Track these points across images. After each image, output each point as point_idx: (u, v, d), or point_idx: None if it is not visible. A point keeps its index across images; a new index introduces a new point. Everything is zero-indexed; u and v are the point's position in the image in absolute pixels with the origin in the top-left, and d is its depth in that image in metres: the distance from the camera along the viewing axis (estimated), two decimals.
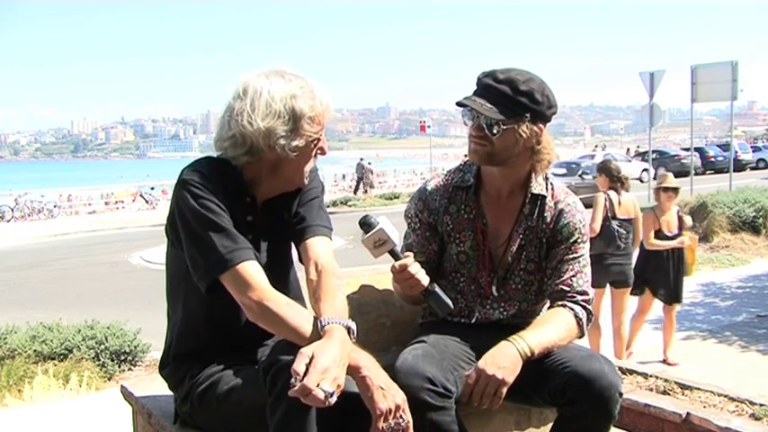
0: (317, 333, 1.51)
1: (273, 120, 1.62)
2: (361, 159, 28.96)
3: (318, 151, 1.76)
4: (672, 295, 5.26)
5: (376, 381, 1.49)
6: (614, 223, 4.98)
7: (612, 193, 5.03)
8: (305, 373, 1.37)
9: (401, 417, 1.50)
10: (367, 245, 1.76)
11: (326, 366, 1.39)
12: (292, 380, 1.37)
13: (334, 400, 1.38)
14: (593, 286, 5.67)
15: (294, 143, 1.66)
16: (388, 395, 1.49)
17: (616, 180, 5.08)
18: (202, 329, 1.75)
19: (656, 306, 5.44)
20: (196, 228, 1.61)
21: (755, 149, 32.91)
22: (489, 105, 1.81)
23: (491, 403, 1.70)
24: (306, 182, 1.78)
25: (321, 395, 1.36)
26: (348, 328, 1.53)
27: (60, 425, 3.95)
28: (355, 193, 26.64)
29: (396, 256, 1.77)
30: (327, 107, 1.71)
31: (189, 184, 1.63)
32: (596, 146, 38.85)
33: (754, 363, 5.21)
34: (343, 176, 32.50)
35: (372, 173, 28.49)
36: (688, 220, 5.38)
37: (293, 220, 1.79)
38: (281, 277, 1.80)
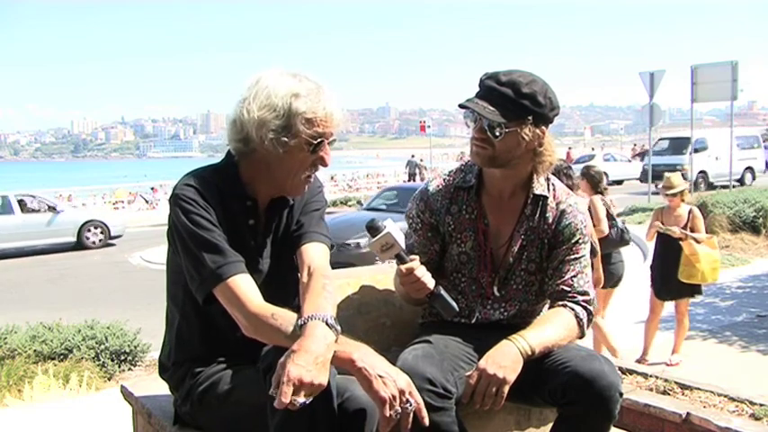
0: (297, 335, 1.48)
1: (268, 112, 1.62)
2: (413, 156, 29.49)
3: (318, 161, 1.71)
4: (658, 290, 5.29)
5: (373, 370, 1.46)
6: (618, 221, 5.00)
7: (600, 197, 5.07)
8: (278, 389, 1.36)
9: (407, 401, 1.46)
10: (374, 248, 1.75)
11: (296, 377, 1.36)
12: (271, 390, 1.37)
13: (308, 401, 1.37)
14: (596, 286, 5.57)
15: (284, 139, 1.63)
16: (389, 382, 1.45)
17: (597, 185, 5.11)
18: (201, 336, 1.76)
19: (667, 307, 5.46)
20: (188, 243, 1.63)
21: None
22: (491, 108, 1.80)
23: (493, 403, 1.70)
24: (302, 191, 1.76)
25: (296, 405, 1.36)
26: (326, 322, 1.48)
27: (60, 425, 3.95)
28: None
29: (402, 260, 1.77)
30: (331, 115, 1.67)
31: (180, 199, 1.65)
32: (634, 144, 38.71)
33: (754, 363, 5.21)
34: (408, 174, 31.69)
35: (426, 168, 28.83)
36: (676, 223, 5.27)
37: (293, 228, 1.79)
38: (287, 284, 1.79)
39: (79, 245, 14.68)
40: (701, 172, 19.79)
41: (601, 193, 5.07)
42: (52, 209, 14.83)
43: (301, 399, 1.36)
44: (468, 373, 1.74)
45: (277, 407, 1.36)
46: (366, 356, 1.49)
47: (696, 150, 18.89)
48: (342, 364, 1.48)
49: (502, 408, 1.74)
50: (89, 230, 14.91)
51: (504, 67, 1.87)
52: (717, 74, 13.74)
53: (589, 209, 4.80)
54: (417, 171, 27.70)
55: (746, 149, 21.50)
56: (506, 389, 1.70)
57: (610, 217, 5.00)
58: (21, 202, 14.69)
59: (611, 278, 5.02)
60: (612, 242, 4.96)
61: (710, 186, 19.53)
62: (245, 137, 1.66)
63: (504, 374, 1.69)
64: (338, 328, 1.51)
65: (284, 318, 1.54)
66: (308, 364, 1.39)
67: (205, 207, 1.64)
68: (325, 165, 1.73)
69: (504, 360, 1.71)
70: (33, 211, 14.79)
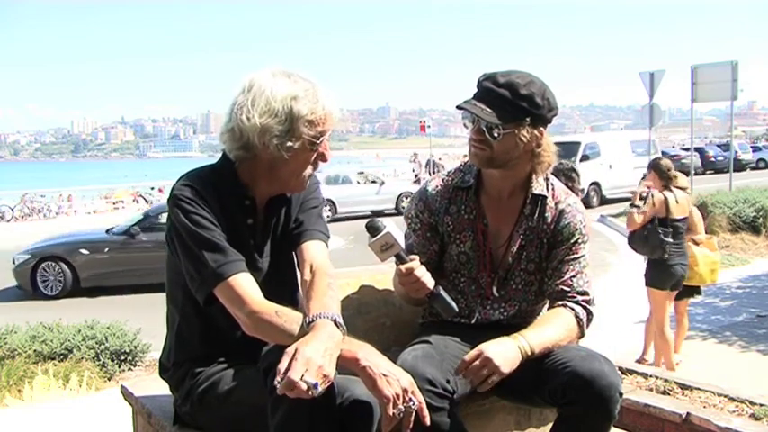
0: (305, 332, 1.49)
1: (270, 118, 1.62)
2: (432, 156, 29.75)
3: (319, 157, 1.73)
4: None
5: (377, 369, 1.47)
6: (660, 230, 4.80)
7: (668, 194, 4.89)
8: (288, 367, 1.36)
9: (410, 400, 1.47)
10: (374, 248, 1.75)
11: (308, 357, 1.37)
12: (277, 378, 1.36)
13: (319, 390, 1.36)
14: (655, 287, 5.54)
15: (288, 144, 1.64)
16: (392, 381, 1.46)
17: (666, 178, 4.97)
18: (201, 336, 1.76)
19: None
20: (188, 243, 1.63)
21: (755, 149, 32.90)
22: (489, 110, 1.80)
23: (480, 385, 1.70)
24: (305, 187, 1.77)
25: (304, 386, 1.34)
26: (335, 321, 1.50)
27: (60, 425, 3.96)
28: None
29: (402, 260, 1.77)
30: (330, 113, 1.68)
31: (179, 199, 1.65)
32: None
33: (754, 363, 5.22)
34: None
35: (444, 167, 28.95)
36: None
37: (292, 225, 1.79)
38: (287, 282, 1.80)
39: (398, 212, 16.99)
40: (593, 183, 16.70)
41: (667, 186, 4.93)
42: (379, 182, 19.16)
43: (312, 380, 1.34)
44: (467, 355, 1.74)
45: (282, 390, 1.34)
46: (370, 356, 1.50)
47: (586, 157, 16.77)
48: (346, 363, 1.49)
49: (502, 408, 1.74)
50: (405, 198, 17.73)
51: (503, 67, 1.88)
52: (717, 74, 13.72)
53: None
54: (436, 171, 27.79)
55: (644, 156, 17.67)
56: (496, 378, 1.69)
57: (663, 221, 4.85)
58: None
59: (670, 279, 4.90)
60: (642, 249, 4.91)
61: (604, 201, 16.79)
62: (246, 144, 1.66)
63: (500, 363, 1.68)
64: (345, 327, 1.52)
65: (288, 316, 1.55)
66: (320, 350, 1.40)
67: (204, 206, 1.64)
68: (325, 160, 1.75)
69: (504, 351, 1.71)
70: (365, 182, 19.04)
